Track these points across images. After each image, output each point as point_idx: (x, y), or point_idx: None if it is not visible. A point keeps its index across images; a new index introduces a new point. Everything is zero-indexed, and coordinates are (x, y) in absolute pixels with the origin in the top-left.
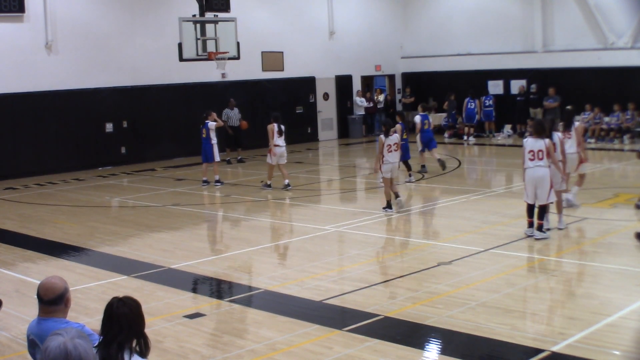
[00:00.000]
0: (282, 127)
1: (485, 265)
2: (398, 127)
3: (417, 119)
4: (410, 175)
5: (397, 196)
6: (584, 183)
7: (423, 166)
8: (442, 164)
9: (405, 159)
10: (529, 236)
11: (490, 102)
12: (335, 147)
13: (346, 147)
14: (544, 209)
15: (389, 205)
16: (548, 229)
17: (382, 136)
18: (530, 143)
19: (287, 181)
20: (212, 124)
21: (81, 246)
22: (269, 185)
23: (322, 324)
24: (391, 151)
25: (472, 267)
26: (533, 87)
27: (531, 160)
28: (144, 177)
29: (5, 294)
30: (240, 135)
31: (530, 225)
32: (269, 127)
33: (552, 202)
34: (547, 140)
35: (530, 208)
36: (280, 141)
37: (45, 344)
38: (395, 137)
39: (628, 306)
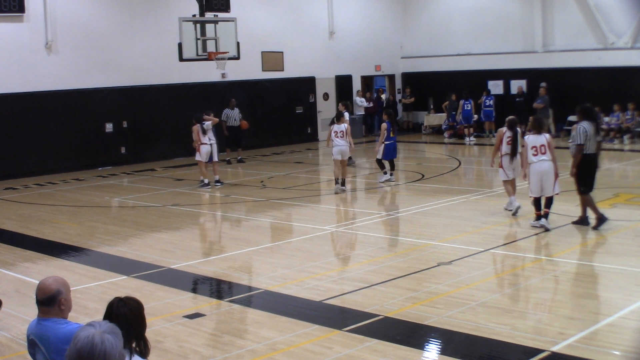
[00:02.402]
0: (205, 124)
1: (485, 265)
2: (384, 125)
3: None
4: (386, 174)
5: (338, 182)
6: None
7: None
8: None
9: (390, 157)
10: (534, 226)
11: (491, 102)
12: None
13: None
14: (551, 200)
15: (336, 182)
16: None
17: (333, 125)
18: (532, 139)
19: (217, 177)
20: (206, 125)
21: (81, 246)
22: (208, 184)
23: (322, 324)
24: (338, 137)
25: (472, 267)
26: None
27: (534, 155)
28: (144, 177)
29: (5, 294)
30: (241, 135)
31: (538, 217)
32: (194, 128)
33: (557, 194)
34: (547, 136)
35: (537, 202)
36: (205, 139)
37: (77, 332)
38: (343, 126)
39: (628, 306)
